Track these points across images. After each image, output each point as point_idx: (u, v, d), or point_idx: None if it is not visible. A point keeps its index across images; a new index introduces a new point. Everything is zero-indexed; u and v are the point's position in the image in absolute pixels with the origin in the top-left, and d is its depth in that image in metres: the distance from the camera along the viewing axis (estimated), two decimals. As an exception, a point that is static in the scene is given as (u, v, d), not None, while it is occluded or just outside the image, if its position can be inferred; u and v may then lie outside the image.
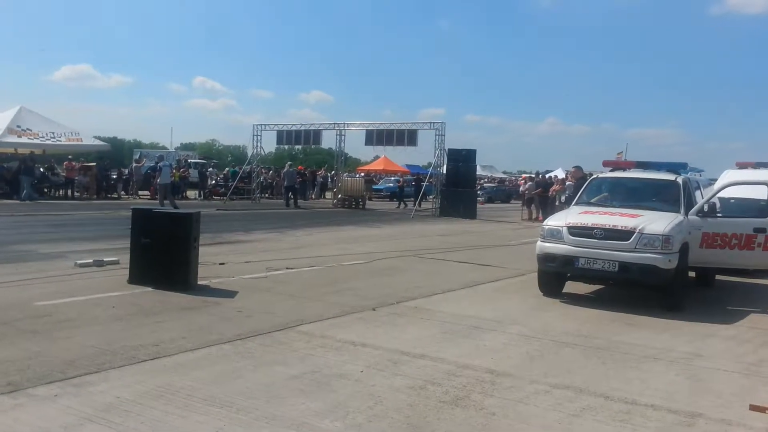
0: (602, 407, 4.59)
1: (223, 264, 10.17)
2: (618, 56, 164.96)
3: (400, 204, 32.38)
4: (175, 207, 20.57)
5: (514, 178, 58.05)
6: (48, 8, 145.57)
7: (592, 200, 9.60)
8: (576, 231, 8.37)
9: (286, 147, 31.74)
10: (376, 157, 52.15)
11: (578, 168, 13.96)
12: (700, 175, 11.07)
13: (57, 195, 27.93)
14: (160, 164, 23.86)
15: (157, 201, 23.41)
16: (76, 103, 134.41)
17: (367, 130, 28.47)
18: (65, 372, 4.73)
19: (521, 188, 32.32)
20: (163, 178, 22.99)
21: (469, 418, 4.26)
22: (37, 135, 28.10)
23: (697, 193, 9.59)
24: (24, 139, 27.70)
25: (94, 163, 29.72)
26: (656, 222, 8.19)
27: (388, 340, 6.15)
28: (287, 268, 10.20)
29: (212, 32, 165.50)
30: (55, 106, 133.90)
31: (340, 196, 30.45)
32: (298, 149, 58.58)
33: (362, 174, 45.32)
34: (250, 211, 24.58)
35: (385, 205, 33.80)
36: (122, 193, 30.14)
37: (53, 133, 28.75)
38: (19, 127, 27.81)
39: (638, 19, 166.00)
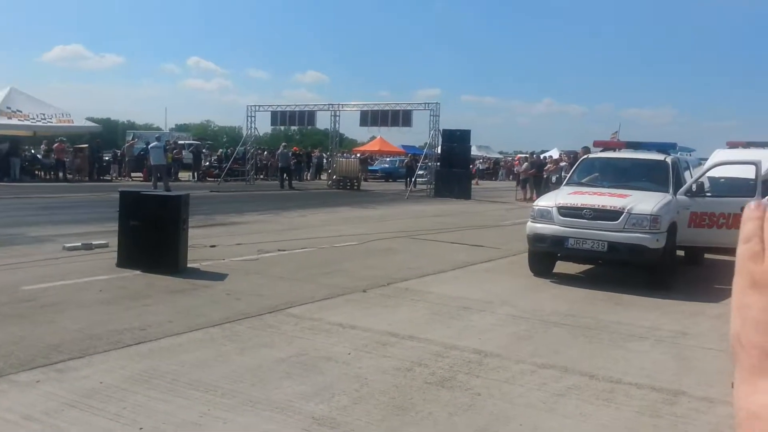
0: (587, 386, 4.61)
1: (214, 246, 10.13)
2: (613, 36, 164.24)
3: (408, 185, 29.18)
4: (168, 189, 20.43)
5: (510, 158, 57.86)
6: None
7: (582, 180, 9.59)
8: (565, 211, 8.37)
9: (282, 128, 31.45)
10: (372, 138, 51.96)
11: (586, 148, 13.93)
12: (690, 155, 11.09)
13: (48, 177, 27.78)
14: (150, 145, 23.47)
15: (151, 183, 23.26)
16: (68, 84, 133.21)
17: (361, 110, 28.30)
18: (49, 357, 4.72)
19: (516, 168, 32.23)
20: (155, 159, 22.63)
21: (454, 398, 4.28)
22: (28, 116, 27.83)
23: (687, 173, 9.60)
24: (14, 121, 27.46)
25: (86, 145, 29.54)
26: (644, 202, 8.20)
27: (378, 322, 6.16)
28: (279, 250, 10.18)
29: (206, 11, 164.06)
30: (46, 87, 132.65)
31: (334, 177, 30.35)
32: (294, 130, 58.26)
33: (357, 155, 45.15)
34: (244, 193, 24.49)
35: (380, 186, 33.73)
36: (115, 174, 30.01)
37: (44, 114, 28.48)
38: (9, 108, 27.53)
39: (632, 1, 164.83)
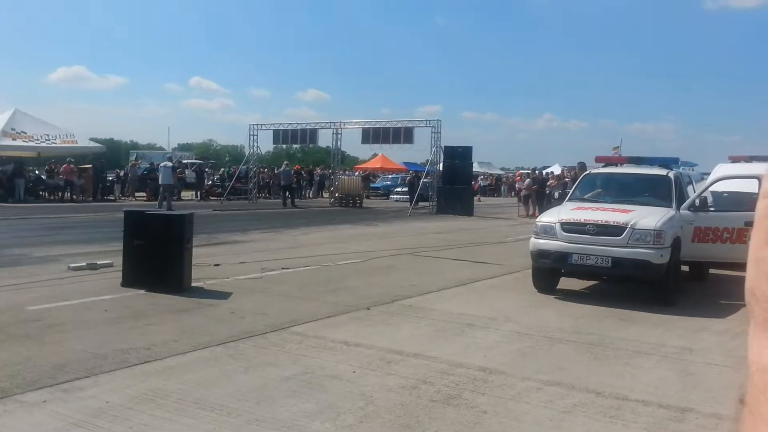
0: (593, 403, 4.59)
1: (218, 265, 10.16)
2: (614, 51, 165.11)
3: (412, 202, 28.18)
4: (170, 209, 20.49)
5: (511, 174, 57.97)
6: (41, 9, 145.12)
7: (585, 196, 9.61)
8: (569, 227, 8.39)
9: (284, 146, 31.57)
10: (374, 155, 52.13)
11: (583, 164, 13.96)
12: (693, 170, 11.13)
13: (52, 198, 27.90)
14: (161, 164, 23.58)
15: (155, 203, 23.34)
16: (71, 105, 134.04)
17: (363, 128, 28.44)
18: (55, 377, 4.72)
19: (517, 184, 32.29)
20: (164, 178, 22.69)
21: (460, 416, 4.27)
22: (32, 137, 28.04)
23: (690, 188, 9.62)
24: (18, 142, 27.66)
25: (90, 165, 29.69)
26: (648, 217, 8.21)
27: (382, 340, 6.15)
28: (282, 268, 10.19)
29: (208, 31, 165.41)
30: (50, 108, 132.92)
31: (337, 194, 30.44)
32: (296, 148, 58.48)
33: (359, 172, 45.26)
34: (247, 211, 24.55)
35: (382, 203, 33.80)
36: (119, 194, 30.14)
37: (48, 135, 28.69)
38: (13, 129, 27.75)
39: (634, 13, 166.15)
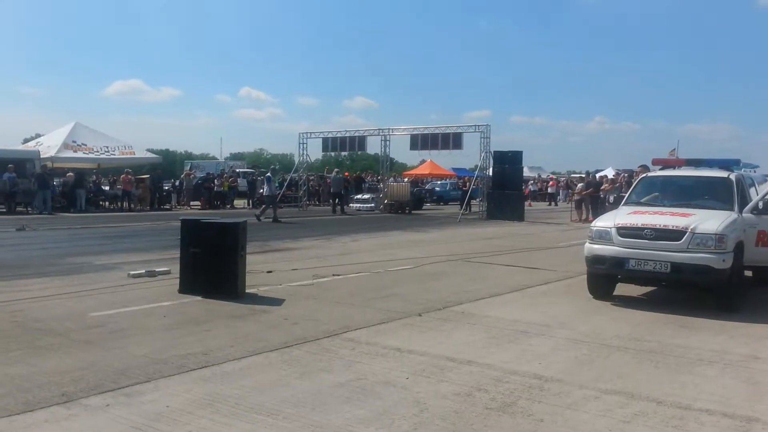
0: (655, 413, 4.46)
1: (270, 272, 10.31)
2: (665, 52, 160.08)
3: (463, 207, 28.46)
4: (258, 219, 21.51)
5: (563, 178, 56.93)
6: (97, 25, 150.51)
7: (641, 200, 9.38)
8: (625, 232, 8.19)
9: (333, 154, 31.86)
10: (423, 161, 52.08)
11: (645, 167, 13.68)
12: (755, 171, 10.71)
13: (112, 207, 28.84)
14: (267, 175, 24.26)
15: (206, 211, 23.79)
16: (127, 117, 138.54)
17: (411, 134, 28.48)
18: (117, 381, 4.86)
19: (550, 189, 31.75)
20: (269, 189, 23.38)
21: (516, 425, 4.20)
22: (92, 149, 29.15)
23: (752, 190, 9.29)
24: (79, 154, 28.77)
25: (147, 175, 30.61)
26: (709, 221, 7.96)
27: (434, 346, 6.12)
28: (334, 275, 10.26)
29: (256, 43, 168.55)
30: (107, 120, 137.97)
31: (386, 201, 30.51)
32: (344, 155, 59.01)
33: (406, 179, 45.30)
34: (297, 219, 24.84)
35: (431, 210, 33.70)
36: (175, 203, 30.94)
37: (107, 147, 29.78)
38: (74, 142, 28.91)
39: (685, 13, 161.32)
